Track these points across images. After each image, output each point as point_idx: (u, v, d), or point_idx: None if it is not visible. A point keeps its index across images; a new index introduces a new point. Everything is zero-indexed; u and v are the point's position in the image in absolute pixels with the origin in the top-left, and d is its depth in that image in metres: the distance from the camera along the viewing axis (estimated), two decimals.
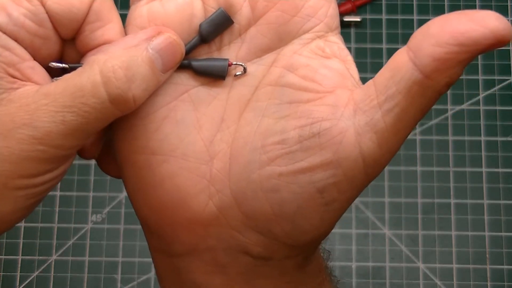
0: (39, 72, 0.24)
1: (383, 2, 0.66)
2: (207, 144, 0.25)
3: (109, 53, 0.23)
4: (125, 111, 0.24)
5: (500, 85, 0.64)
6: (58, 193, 0.63)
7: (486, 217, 0.62)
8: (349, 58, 0.25)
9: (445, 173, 0.63)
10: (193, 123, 0.25)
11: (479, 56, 0.61)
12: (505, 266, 0.61)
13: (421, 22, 0.65)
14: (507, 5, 0.66)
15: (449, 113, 0.64)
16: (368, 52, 0.65)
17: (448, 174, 0.63)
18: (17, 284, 0.61)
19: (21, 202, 0.23)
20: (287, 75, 0.25)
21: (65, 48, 0.25)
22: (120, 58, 0.23)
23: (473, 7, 0.66)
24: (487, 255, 0.61)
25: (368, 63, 0.65)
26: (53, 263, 0.62)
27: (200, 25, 0.25)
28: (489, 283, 0.60)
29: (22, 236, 0.62)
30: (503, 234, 0.61)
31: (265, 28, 0.25)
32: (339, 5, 0.65)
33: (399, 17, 0.66)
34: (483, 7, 0.65)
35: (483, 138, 0.64)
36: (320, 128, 0.23)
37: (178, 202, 0.25)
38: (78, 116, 0.22)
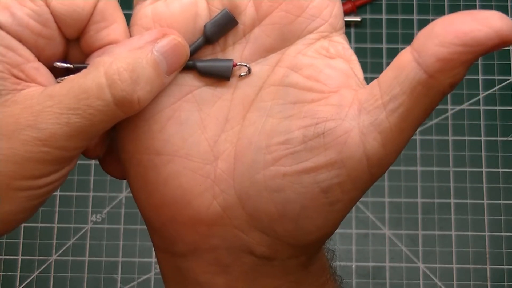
0: (43, 73, 0.24)
1: (383, 2, 0.66)
2: (212, 144, 0.25)
3: (114, 54, 0.23)
4: (129, 113, 0.24)
5: (500, 85, 0.64)
6: (58, 193, 0.63)
7: (486, 217, 0.62)
8: (354, 58, 0.25)
9: (445, 173, 0.63)
10: (197, 123, 0.25)
11: None
12: (505, 266, 0.61)
13: (421, 22, 0.65)
14: (507, 5, 0.66)
15: (449, 113, 0.64)
16: (368, 52, 0.65)
17: (448, 174, 0.63)
18: (17, 284, 0.61)
19: (24, 203, 0.23)
20: (291, 75, 0.25)
21: (69, 49, 0.25)
22: (125, 60, 0.23)
23: (473, 7, 0.66)
24: (487, 255, 0.61)
25: (368, 63, 0.65)
26: (53, 263, 0.62)
27: (205, 26, 0.25)
28: (489, 283, 0.60)
29: (22, 236, 0.62)
30: (503, 234, 0.62)
31: (269, 28, 0.25)
32: None
33: (399, 17, 0.66)
34: (483, 7, 0.65)
35: (483, 138, 0.64)
36: (325, 128, 0.23)
37: (182, 202, 0.25)
38: (83, 118, 0.22)
